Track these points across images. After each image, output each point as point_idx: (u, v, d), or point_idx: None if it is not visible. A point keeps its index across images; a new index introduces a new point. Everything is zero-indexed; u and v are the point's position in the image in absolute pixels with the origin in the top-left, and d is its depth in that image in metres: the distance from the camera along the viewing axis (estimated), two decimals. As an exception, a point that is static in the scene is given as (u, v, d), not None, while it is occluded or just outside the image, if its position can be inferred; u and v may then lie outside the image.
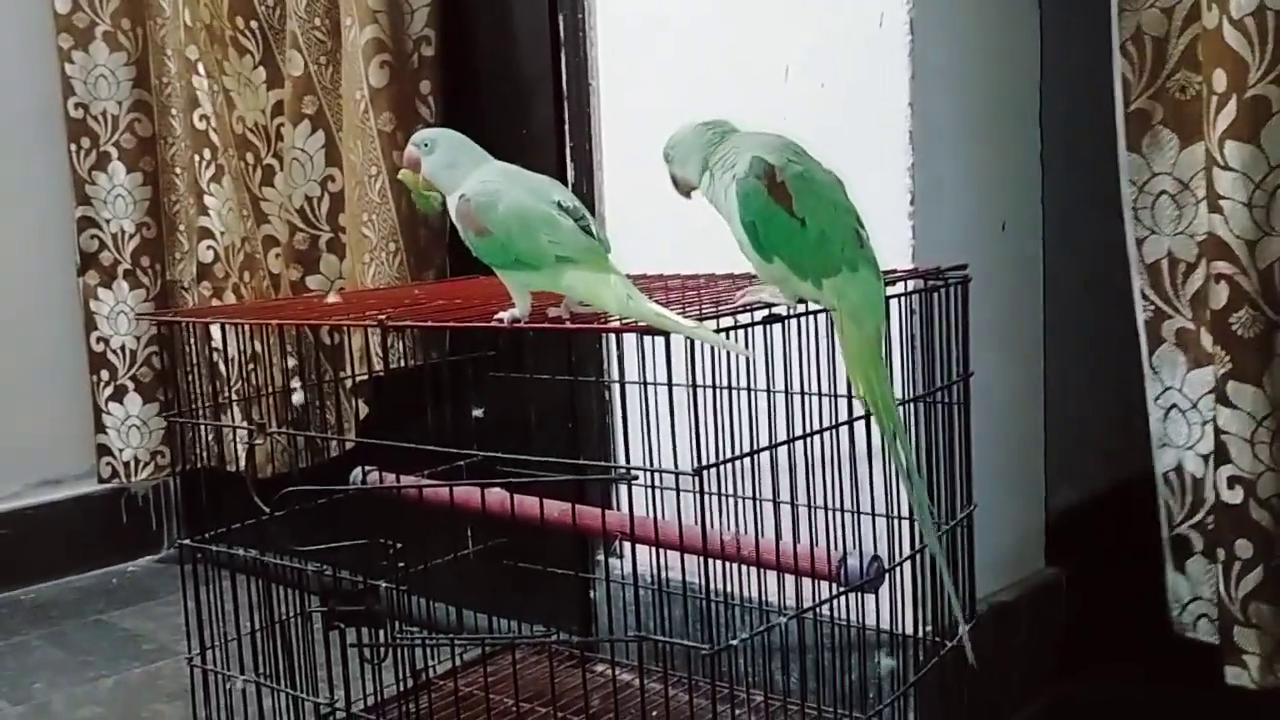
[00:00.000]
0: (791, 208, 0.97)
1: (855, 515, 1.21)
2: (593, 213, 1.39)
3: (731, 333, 0.98)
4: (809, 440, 1.14)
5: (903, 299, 1.17)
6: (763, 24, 1.39)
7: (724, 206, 1.01)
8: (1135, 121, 1.21)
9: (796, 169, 0.99)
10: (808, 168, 1.00)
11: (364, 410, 1.79)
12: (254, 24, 1.82)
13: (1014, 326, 1.48)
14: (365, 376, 1.74)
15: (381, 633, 1.21)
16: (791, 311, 1.04)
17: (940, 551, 1.10)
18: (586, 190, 1.60)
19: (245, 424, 1.79)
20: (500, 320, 1.05)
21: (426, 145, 1.09)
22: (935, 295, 1.18)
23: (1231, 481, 1.18)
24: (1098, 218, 1.84)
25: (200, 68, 1.93)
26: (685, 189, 1.08)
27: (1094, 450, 1.82)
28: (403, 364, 1.63)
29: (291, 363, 1.76)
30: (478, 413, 1.65)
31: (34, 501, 2.15)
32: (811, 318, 1.08)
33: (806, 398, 1.17)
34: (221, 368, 1.93)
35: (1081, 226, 1.77)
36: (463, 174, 1.08)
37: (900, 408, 1.16)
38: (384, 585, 1.19)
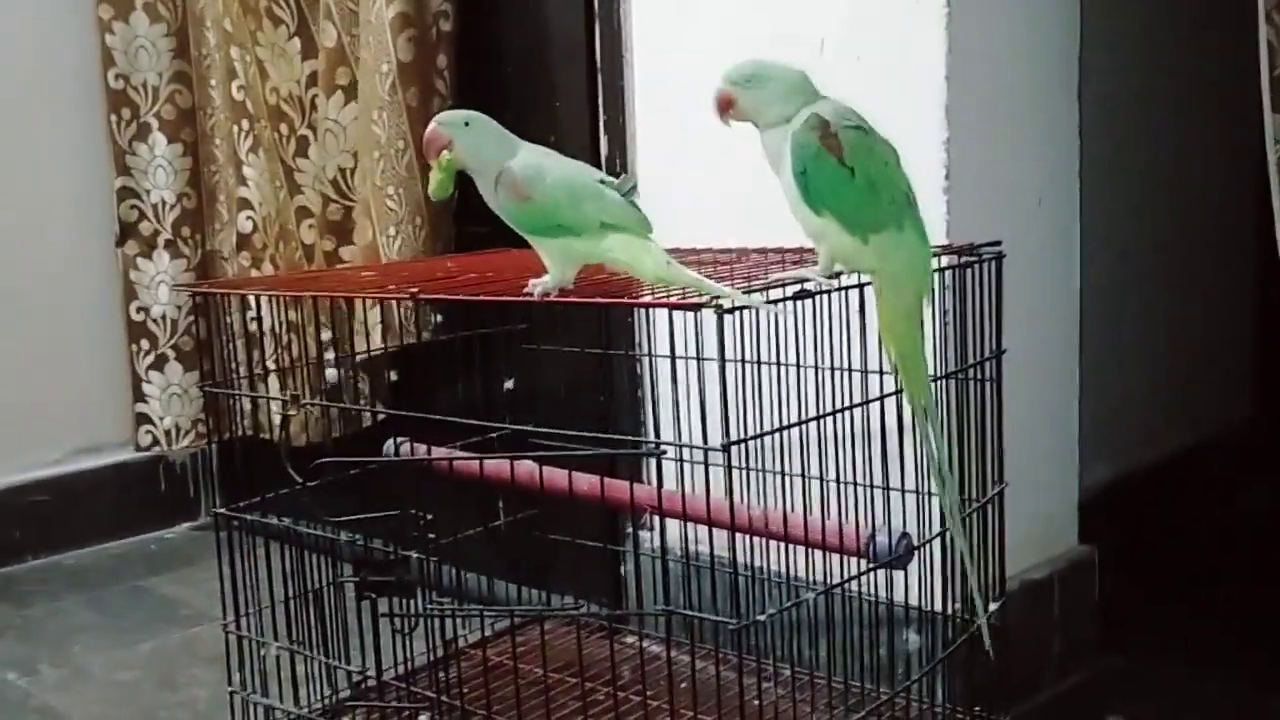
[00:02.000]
0: (842, 157, 0.99)
1: (885, 492, 1.20)
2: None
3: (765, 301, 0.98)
4: (839, 416, 1.13)
5: (936, 275, 1.16)
6: (798, -4, 1.38)
7: (778, 160, 1.02)
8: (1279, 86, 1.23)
9: (851, 123, 1.01)
10: (863, 127, 1.02)
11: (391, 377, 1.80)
12: (288, -6, 1.83)
13: (1049, 303, 1.46)
14: (384, 349, 1.74)
15: (412, 602, 1.22)
16: (821, 288, 1.04)
17: (961, 536, 1.09)
18: (620, 163, 1.60)
19: (280, 394, 1.81)
20: (530, 293, 1.05)
21: (468, 124, 1.09)
22: (969, 271, 1.17)
23: None
24: (1136, 192, 1.82)
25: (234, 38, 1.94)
26: (740, 119, 1.05)
27: (1128, 428, 1.81)
28: (428, 337, 1.64)
29: (326, 335, 1.77)
30: (508, 384, 1.66)
31: (74, 469, 2.17)
32: (843, 292, 1.07)
33: (837, 373, 1.17)
34: (258, 338, 1.94)
35: (1119, 201, 1.75)
36: (501, 153, 1.08)
37: (932, 385, 1.15)
38: (415, 555, 1.20)
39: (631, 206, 1.05)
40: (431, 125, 1.09)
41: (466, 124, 1.09)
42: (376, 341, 1.80)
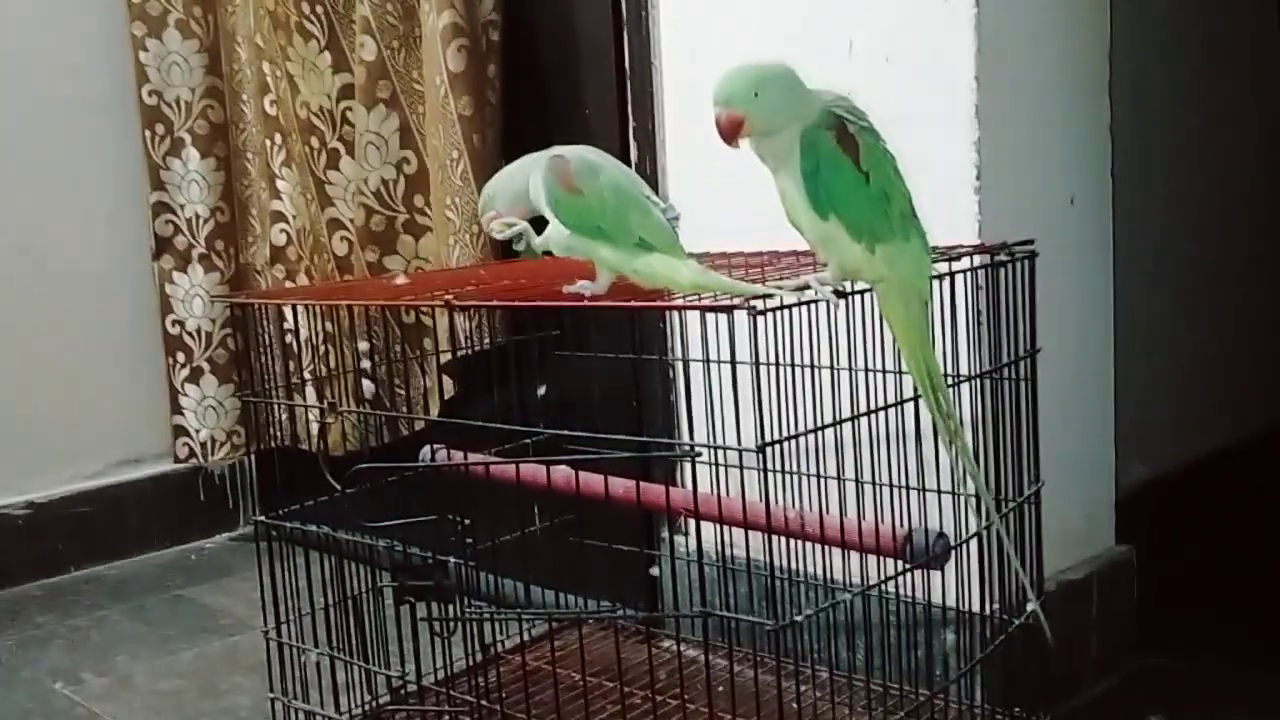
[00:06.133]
0: (858, 160, 0.96)
1: (920, 492, 1.20)
2: (655, 190, 1.40)
3: (806, 292, 0.98)
4: (873, 417, 1.13)
5: (969, 274, 1.16)
6: (826, -1, 1.39)
7: (782, 161, 0.97)
8: None
9: (864, 124, 0.98)
10: (874, 129, 0.99)
11: (450, 389, 1.81)
12: (319, 9, 1.84)
13: (1083, 301, 1.46)
14: (448, 353, 1.75)
15: (451, 607, 1.23)
16: (832, 296, 1.02)
17: (1006, 536, 1.09)
18: (649, 169, 1.60)
19: (318, 403, 1.82)
20: (577, 291, 1.06)
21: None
22: (1002, 270, 1.17)
23: None
24: (1168, 190, 1.81)
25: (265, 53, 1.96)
26: (749, 135, 0.96)
27: (1165, 427, 1.80)
28: (488, 343, 1.64)
29: (364, 345, 1.78)
30: (541, 391, 1.66)
31: (115, 480, 2.20)
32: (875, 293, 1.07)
33: (871, 374, 1.17)
34: (295, 348, 1.96)
35: (1152, 199, 1.74)
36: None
37: (961, 385, 1.15)
38: (453, 561, 1.21)
39: (672, 232, 1.05)
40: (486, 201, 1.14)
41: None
42: (419, 349, 1.81)
